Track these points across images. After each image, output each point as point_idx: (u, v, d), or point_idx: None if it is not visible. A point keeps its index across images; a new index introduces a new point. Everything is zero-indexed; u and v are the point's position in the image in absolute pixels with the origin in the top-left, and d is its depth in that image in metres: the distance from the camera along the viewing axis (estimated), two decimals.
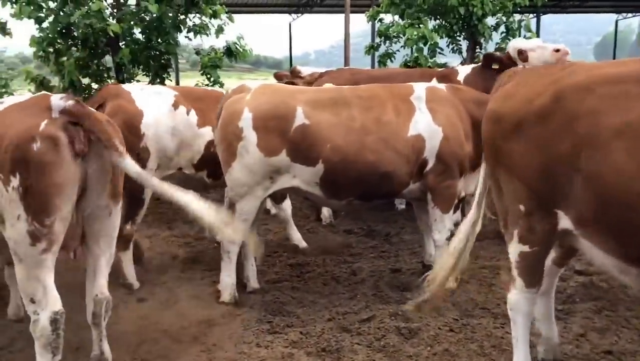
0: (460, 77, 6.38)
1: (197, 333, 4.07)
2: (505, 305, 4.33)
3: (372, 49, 12.43)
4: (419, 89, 4.82)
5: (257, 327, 4.14)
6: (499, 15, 12.29)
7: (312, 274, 5.28)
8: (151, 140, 5.10)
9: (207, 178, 5.46)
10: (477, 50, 12.53)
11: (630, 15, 35.54)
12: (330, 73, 7.06)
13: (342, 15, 16.73)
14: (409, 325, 4.08)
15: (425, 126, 4.61)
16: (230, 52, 10.65)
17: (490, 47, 12.77)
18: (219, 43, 11.29)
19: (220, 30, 11.26)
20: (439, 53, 12.48)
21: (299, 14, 29.36)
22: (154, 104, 5.26)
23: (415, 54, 12.00)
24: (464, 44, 12.58)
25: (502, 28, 12.52)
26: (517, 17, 12.57)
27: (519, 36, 12.41)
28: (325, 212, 6.98)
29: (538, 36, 26.12)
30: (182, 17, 10.10)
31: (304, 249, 5.96)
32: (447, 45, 12.56)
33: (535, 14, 26.47)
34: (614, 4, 32.86)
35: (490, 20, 12.48)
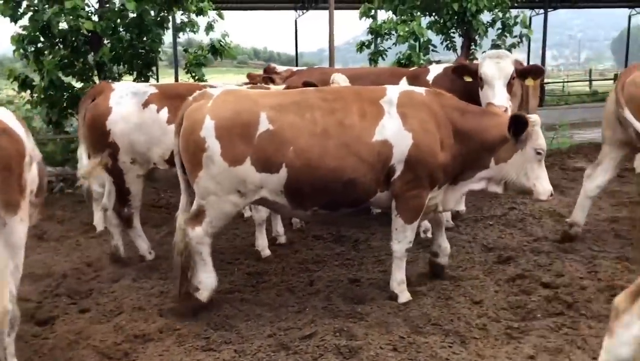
0: (430, 77, 6.10)
1: (128, 350, 3.88)
2: (459, 321, 4.15)
3: (363, 46, 12.14)
4: (392, 92, 4.52)
5: (192, 343, 3.94)
6: (495, 11, 11.97)
7: (268, 285, 5.07)
8: (118, 136, 5.45)
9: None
10: (472, 47, 12.23)
11: None
12: (301, 73, 6.84)
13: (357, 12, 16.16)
14: (351, 342, 3.84)
15: (394, 131, 4.32)
16: (215, 49, 10.46)
17: (486, 44, 12.48)
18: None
19: (210, 27, 11.13)
20: (433, 50, 12.21)
21: (304, 11, 29.23)
22: (125, 102, 5.57)
23: (408, 52, 11.72)
24: (459, 41, 12.28)
25: (499, 24, 12.21)
26: (514, 12, 12.19)
27: (514, 32, 12.13)
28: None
29: (545, 31, 25.69)
30: (165, 14, 9.94)
31: (266, 257, 5.75)
32: (441, 43, 12.27)
33: (543, 9, 25.95)
34: None
35: (487, 17, 12.18)
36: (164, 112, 5.58)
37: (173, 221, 7.15)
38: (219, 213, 4.34)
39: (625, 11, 35.26)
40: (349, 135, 4.26)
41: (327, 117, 4.29)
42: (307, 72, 6.80)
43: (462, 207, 7.05)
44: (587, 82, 38.90)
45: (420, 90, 4.72)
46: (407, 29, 11.20)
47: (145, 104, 5.61)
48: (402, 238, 4.56)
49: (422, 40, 11.23)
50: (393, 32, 11.64)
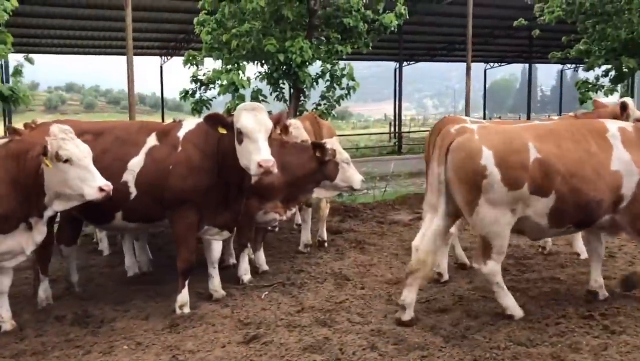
0: (182, 133, 5.49)
1: None
2: None
3: (187, 95, 11.51)
4: (612, 126, 5.09)
5: None
6: (324, 63, 11.87)
7: None
8: None
9: None
10: (302, 98, 12.02)
11: (496, 65, 37.66)
12: (44, 124, 5.91)
13: None
14: None
15: (625, 163, 4.89)
16: (4, 97, 9.35)
17: (315, 95, 12.35)
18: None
19: (17, 72, 10.07)
20: (263, 100, 11.82)
21: (169, 57, 28.66)
22: None
23: (236, 102, 11.24)
24: (288, 92, 12.02)
25: (328, 76, 12.11)
26: (341, 64, 12.16)
27: (341, 83, 12.07)
28: (42, 294, 5.78)
29: (400, 83, 26.76)
30: None
31: None
32: (270, 93, 11.95)
33: (397, 62, 27.08)
34: (482, 54, 34.65)
35: (316, 68, 12.07)
36: None
37: None
38: (502, 237, 4.81)
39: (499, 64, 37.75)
40: (595, 162, 4.84)
41: (577, 146, 4.86)
42: (43, 125, 5.87)
43: (248, 277, 6.47)
44: None
45: (629, 126, 5.21)
46: (230, 78, 10.73)
47: None
48: None
49: (241, 90, 10.78)
50: (217, 82, 11.13)
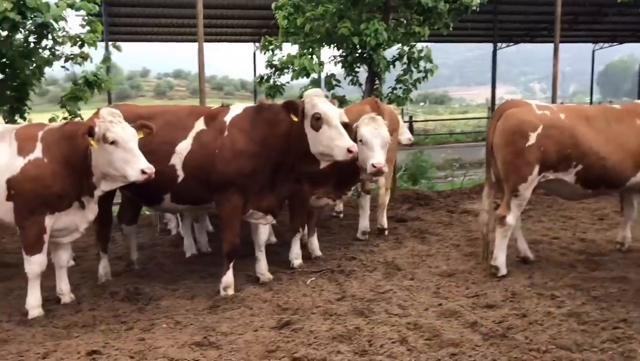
0: (228, 117, 5.53)
1: None
2: None
3: (262, 80, 11.62)
4: None
5: None
6: (400, 45, 11.50)
7: None
8: None
9: None
10: (377, 82, 11.73)
11: (606, 45, 34.77)
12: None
13: None
14: None
15: None
16: (89, 83, 9.89)
17: (391, 78, 12.00)
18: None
19: (106, 60, 10.63)
20: (336, 85, 11.70)
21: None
22: None
23: (310, 86, 11.19)
24: (363, 76, 11.78)
25: (406, 59, 11.72)
26: (419, 46, 11.72)
27: (419, 66, 11.63)
28: (101, 270, 6.10)
29: (494, 65, 25.43)
30: (32, 46, 9.39)
31: (33, 319, 5.07)
32: (344, 78, 11.78)
33: (492, 44, 25.75)
34: (590, 34, 32.19)
35: (393, 50, 11.73)
36: None
37: None
38: None
39: (610, 45, 34.94)
40: None
41: None
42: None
43: (298, 261, 6.43)
44: None
45: None
46: (300, 62, 10.69)
47: None
48: None
49: (312, 75, 10.70)
50: (290, 67, 11.13)
